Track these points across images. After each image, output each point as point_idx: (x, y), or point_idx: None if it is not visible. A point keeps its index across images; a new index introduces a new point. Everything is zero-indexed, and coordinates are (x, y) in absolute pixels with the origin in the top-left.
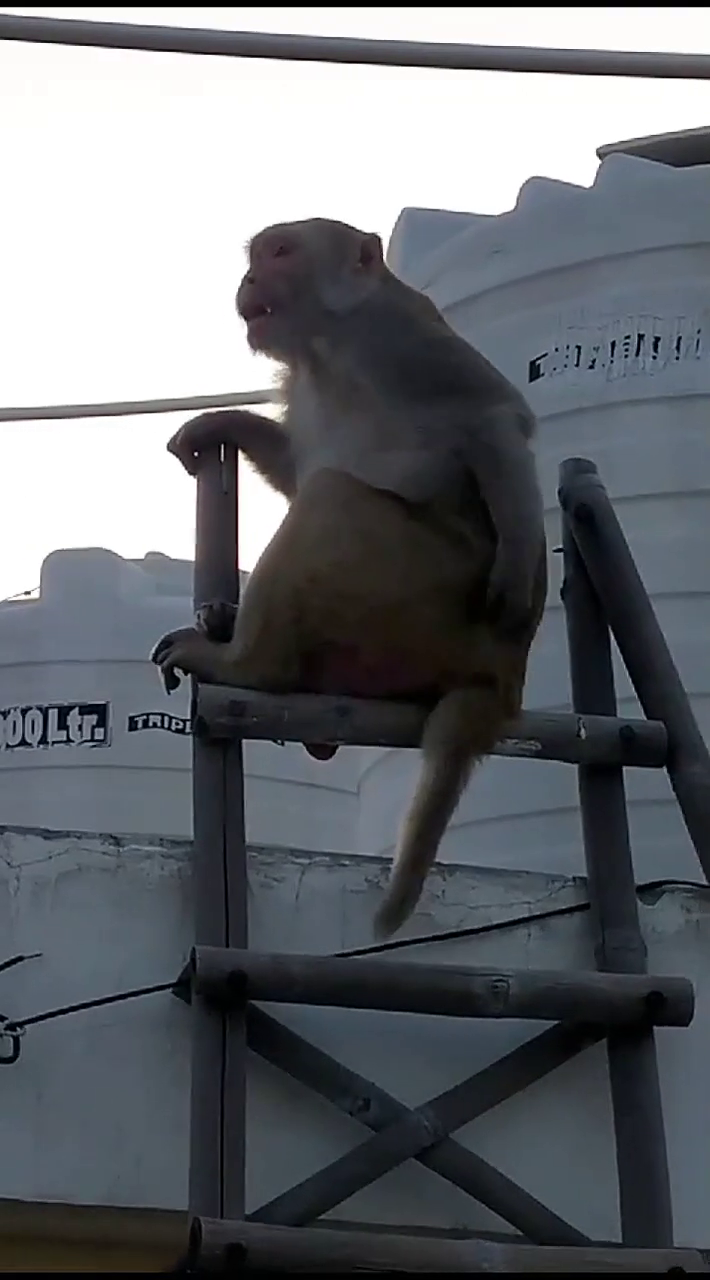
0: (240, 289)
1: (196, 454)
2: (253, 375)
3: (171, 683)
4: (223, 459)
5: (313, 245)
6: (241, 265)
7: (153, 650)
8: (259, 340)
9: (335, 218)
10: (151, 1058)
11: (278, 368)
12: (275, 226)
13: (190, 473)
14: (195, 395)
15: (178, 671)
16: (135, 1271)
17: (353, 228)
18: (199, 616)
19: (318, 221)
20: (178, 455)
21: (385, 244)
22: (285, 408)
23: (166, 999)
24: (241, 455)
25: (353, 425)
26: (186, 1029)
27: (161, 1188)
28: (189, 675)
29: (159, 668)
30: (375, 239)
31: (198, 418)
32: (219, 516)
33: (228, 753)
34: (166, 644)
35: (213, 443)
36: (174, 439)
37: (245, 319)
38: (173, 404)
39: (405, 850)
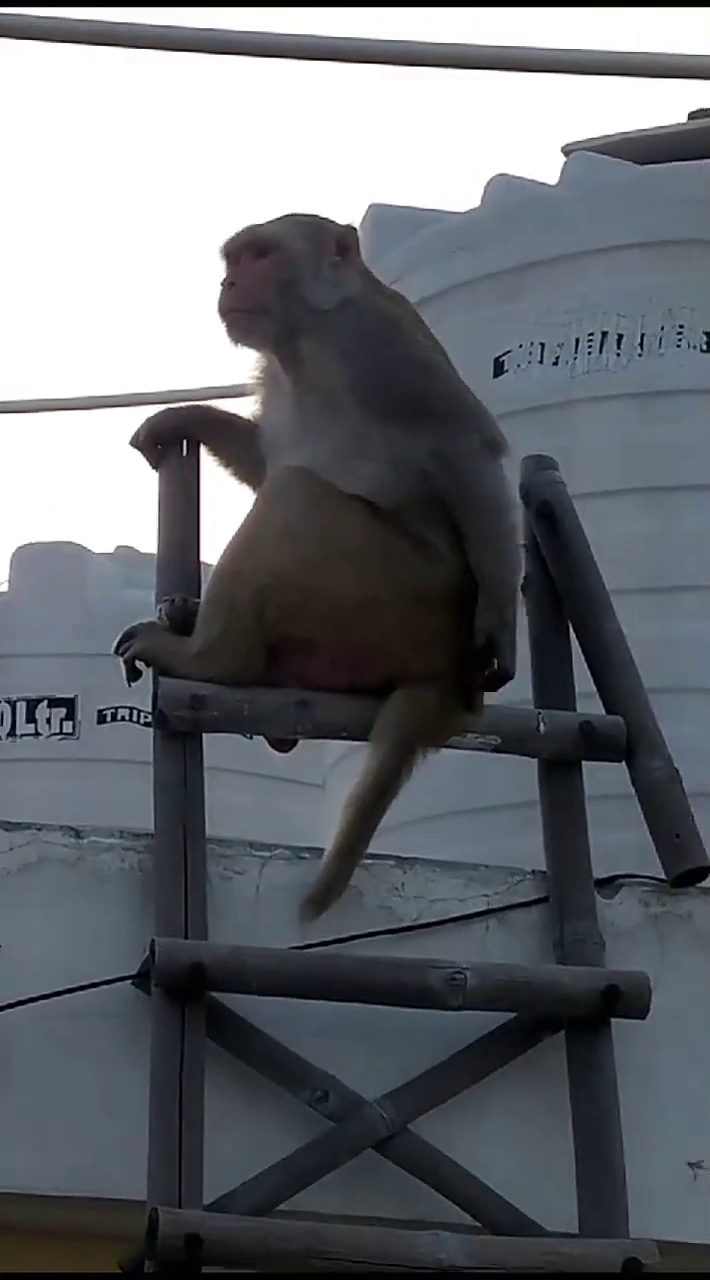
0: (220, 294)
1: (159, 449)
2: (220, 370)
3: (133, 675)
4: (185, 454)
5: (291, 244)
6: (217, 269)
7: (115, 643)
8: (240, 334)
9: (308, 211)
10: (111, 1048)
11: (256, 359)
12: (250, 228)
13: (153, 468)
14: (165, 390)
15: (139, 664)
16: (93, 1272)
17: (327, 220)
18: (161, 610)
19: (293, 218)
20: (140, 450)
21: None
22: (261, 397)
23: (126, 990)
24: (205, 450)
25: (326, 432)
26: (146, 1020)
27: (119, 1178)
28: (151, 668)
29: (121, 660)
30: (351, 230)
31: (160, 413)
32: (181, 511)
33: (188, 746)
34: (128, 636)
35: (175, 438)
36: (137, 434)
37: (225, 318)
38: (142, 398)
39: (339, 837)
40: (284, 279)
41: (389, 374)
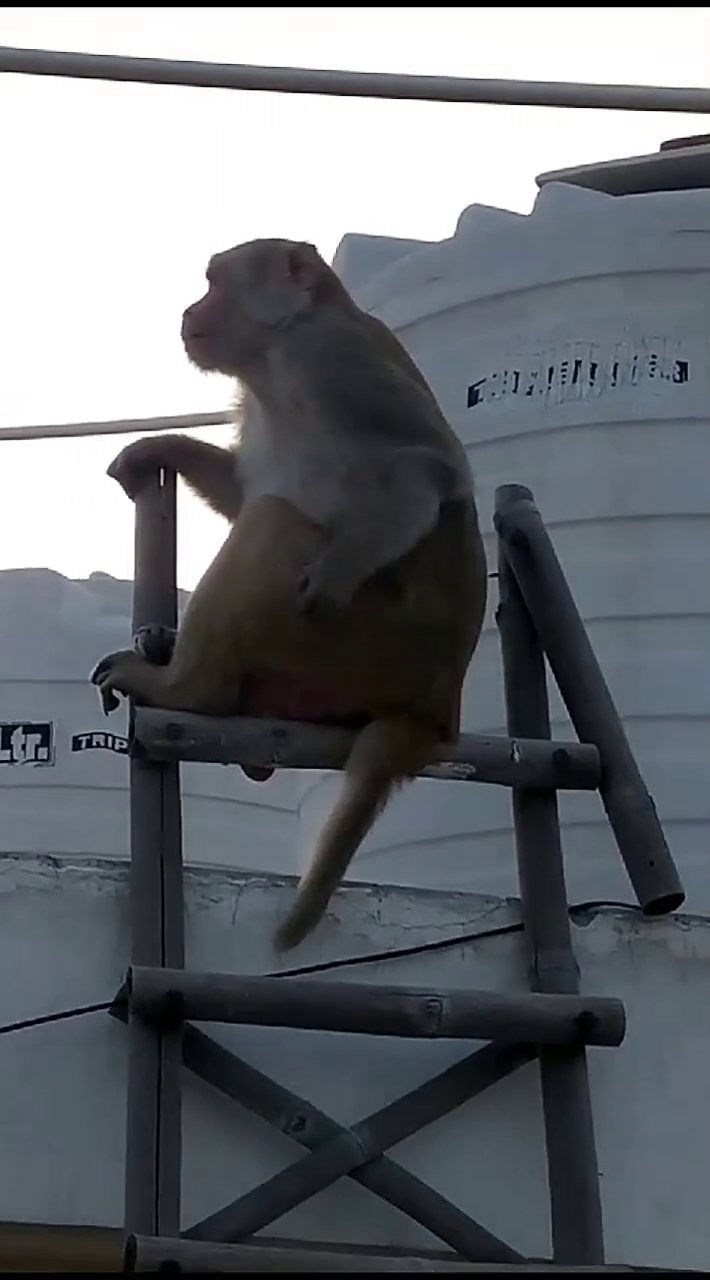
0: (182, 321)
1: (136, 478)
2: (197, 398)
3: (110, 704)
4: (162, 483)
5: (235, 267)
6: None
7: (92, 672)
8: (196, 357)
9: (272, 234)
10: (88, 1076)
11: (233, 387)
12: (212, 256)
13: (130, 497)
14: (142, 417)
15: (116, 693)
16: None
17: (283, 240)
18: (137, 640)
19: (250, 243)
20: (117, 479)
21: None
22: (239, 425)
23: (103, 1018)
24: (181, 480)
25: (296, 451)
26: (123, 1048)
27: (97, 1205)
28: (127, 697)
29: (98, 689)
30: (303, 247)
31: (136, 442)
32: (158, 540)
33: (165, 775)
34: (105, 666)
35: (152, 467)
36: (113, 464)
37: (183, 344)
38: (119, 425)
39: (314, 868)
40: (230, 299)
41: (346, 388)
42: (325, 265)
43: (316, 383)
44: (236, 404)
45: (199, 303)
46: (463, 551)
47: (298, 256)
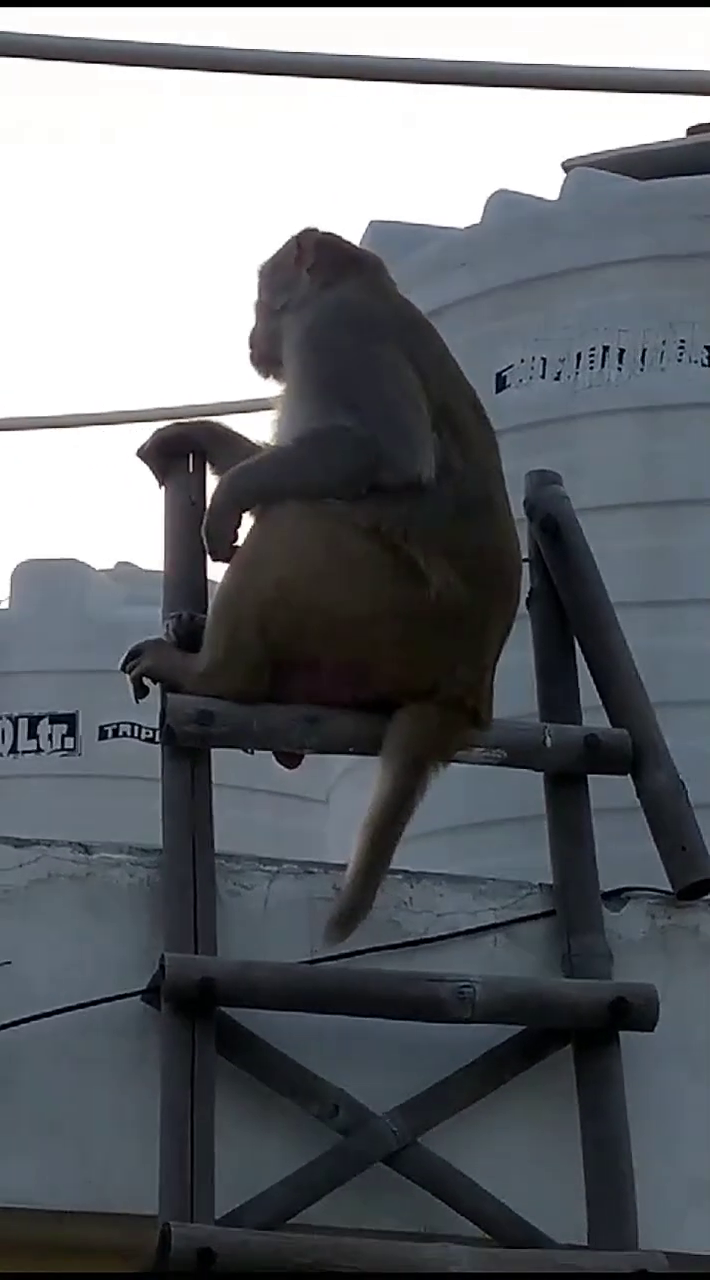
0: None
1: (165, 461)
2: (224, 387)
3: (140, 692)
4: (192, 469)
5: (263, 268)
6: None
7: (121, 660)
8: (256, 368)
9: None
10: (121, 1064)
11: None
12: None
13: (159, 482)
14: (167, 406)
15: (146, 681)
16: (106, 1272)
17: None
18: (168, 627)
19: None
20: (147, 463)
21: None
22: (276, 415)
23: (136, 1006)
24: (209, 466)
25: (285, 422)
26: (156, 1035)
27: (131, 1193)
28: (158, 685)
29: (128, 677)
30: (305, 233)
31: (167, 426)
32: (187, 527)
33: (196, 761)
34: (135, 654)
35: (181, 451)
36: (143, 447)
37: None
38: (144, 415)
39: (360, 858)
40: (259, 302)
41: (321, 357)
42: (334, 245)
43: (300, 349)
44: (279, 395)
45: None
46: (479, 538)
47: (300, 242)
